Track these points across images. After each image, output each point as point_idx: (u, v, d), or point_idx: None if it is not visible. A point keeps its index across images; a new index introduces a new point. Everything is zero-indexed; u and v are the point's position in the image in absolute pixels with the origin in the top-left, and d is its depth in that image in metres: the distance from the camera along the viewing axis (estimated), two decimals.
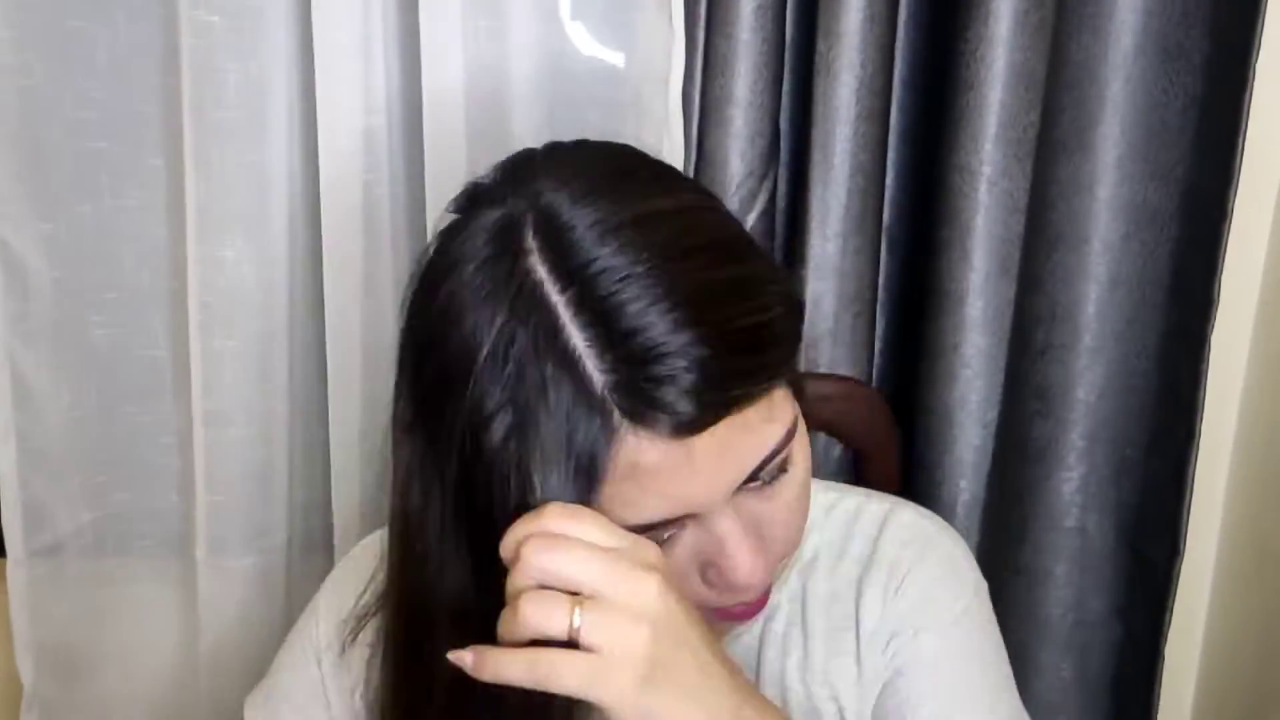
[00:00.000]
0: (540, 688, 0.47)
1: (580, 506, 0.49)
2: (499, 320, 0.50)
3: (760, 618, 0.65)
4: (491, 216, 0.53)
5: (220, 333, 0.98)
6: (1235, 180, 0.87)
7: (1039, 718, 0.99)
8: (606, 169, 0.55)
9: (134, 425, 1.05)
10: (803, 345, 0.56)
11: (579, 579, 0.48)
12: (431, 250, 0.56)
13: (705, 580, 0.55)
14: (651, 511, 0.51)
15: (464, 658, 0.49)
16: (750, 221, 0.92)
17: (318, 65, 0.92)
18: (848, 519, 0.69)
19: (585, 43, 0.97)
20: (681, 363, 0.48)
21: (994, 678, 0.68)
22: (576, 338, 0.49)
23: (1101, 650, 0.99)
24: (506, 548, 0.49)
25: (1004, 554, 0.97)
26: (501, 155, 0.95)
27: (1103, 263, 0.91)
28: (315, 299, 1.00)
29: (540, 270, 0.50)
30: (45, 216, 1.00)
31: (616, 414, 0.49)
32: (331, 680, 0.70)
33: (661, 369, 0.48)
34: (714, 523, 0.53)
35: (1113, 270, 0.91)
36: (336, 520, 1.03)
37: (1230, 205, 0.87)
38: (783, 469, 0.55)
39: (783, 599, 0.67)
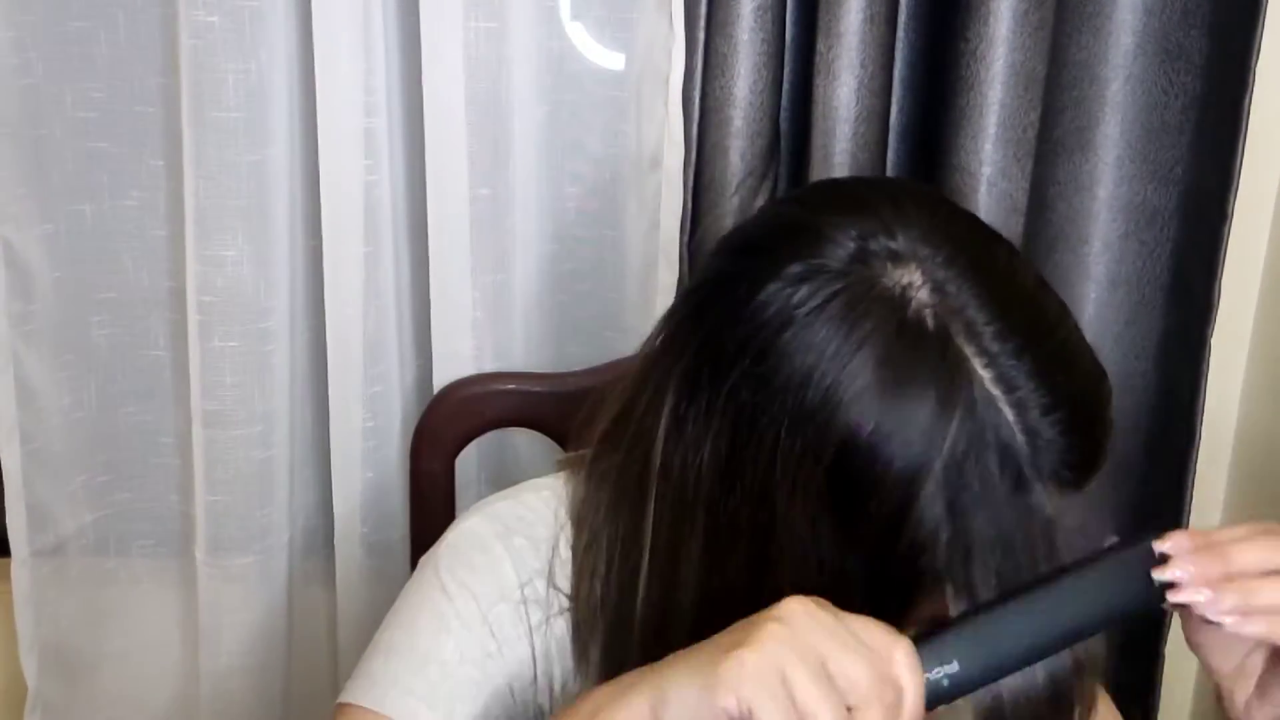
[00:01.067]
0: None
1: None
2: (954, 416, 0.51)
3: None
4: (849, 254, 0.53)
5: (220, 333, 0.98)
6: (1235, 181, 0.87)
7: None
8: (978, 240, 0.56)
9: (134, 425, 1.05)
10: None
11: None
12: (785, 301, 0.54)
13: None
14: None
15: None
16: None
17: (318, 65, 0.92)
18: None
19: (585, 43, 0.97)
20: (1080, 446, 0.53)
21: None
22: (1007, 414, 0.52)
23: (1101, 650, 0.99)
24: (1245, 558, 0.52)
25: None
26: (502, 156, 0.97)
27: (1102, 263, 0.91)
28: (315, 299, 1.00)
29: (968, 349, 0.52)
30: (46, 217, 1.00)
31: (1040, 479, 0.52)
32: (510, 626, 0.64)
33: (1064, 454, 0.52)
34: None
35: (1112, 271, 0.91)
36: (337, 520, 1.03)
37: (1230, 206, 0.87)
38: None
39: None
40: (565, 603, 0.64)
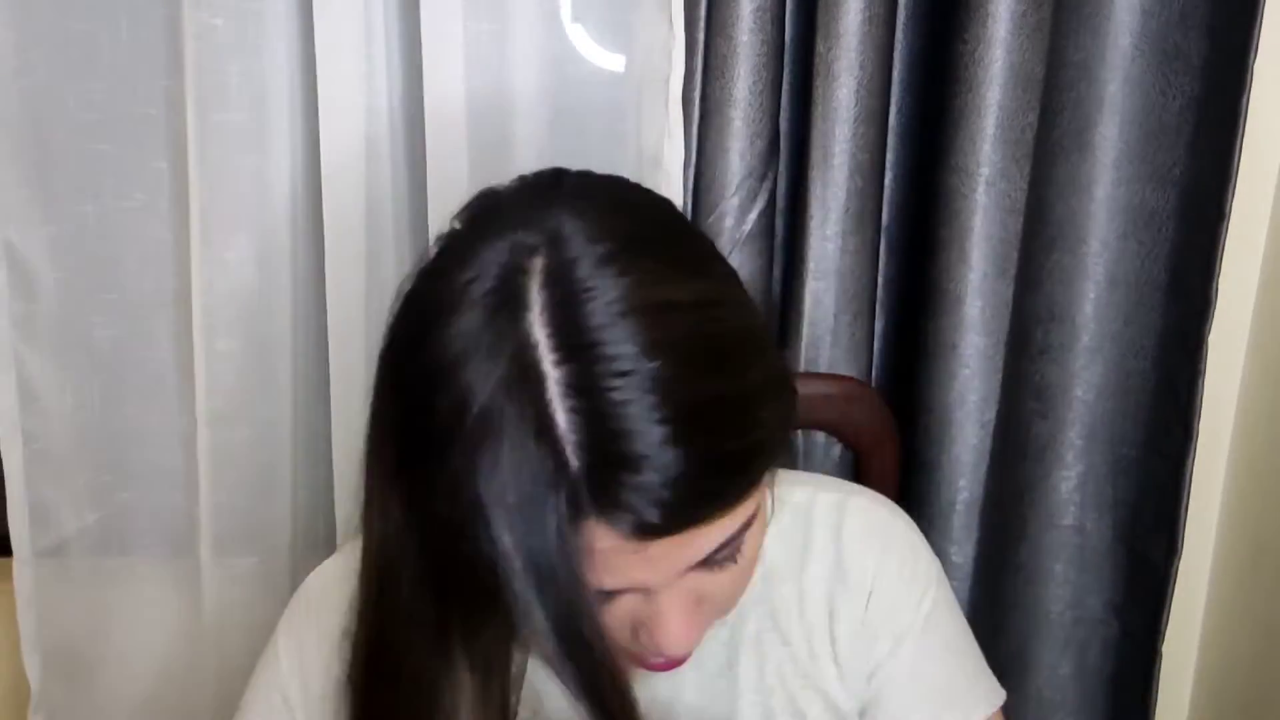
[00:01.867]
0: None
1: None
2: (490, 379, 0.47)
3: (726, 624, 0.65)
4: (501, 248, 0.50)
5: (223, 334, 0.98)
6: (1233, 181, 0.87)
7: (1037, 715, 0.99)
8: (637, 232, 0.52)
9: (138, 426, 1.05)
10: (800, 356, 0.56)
11: None
12: (432, 258, 0.54)
13: (635, 637, 0.55)
14: (597, 583, 0.50)
15: None
16: (750, 221, 0.92)
17: (320, 68, 0.92)
18: (803, 514, 0.69)
19: (585, 45, 0.97)
20: (658, 478, 0.47)
21: (969, 664, 0.70)
22: (562, 417, 0.47)
23: (1099, 648, 0.99)
24: None
25: (1002, 552, 0.97)
26: (503, 157, 0.97)
27: (1100, 263, 0.91)
28: (318, 300, 1.00)
29: (539, 333, 0.47)
30: (49, 218, 1.00)
31: (585, 500, 0.47)
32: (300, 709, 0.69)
33: (639, 478, 0.47)
34: (655, 597, 0.53)
35: (1110, 270, 0.92)
36: (339, 520, 1.03)
37: (1228, 206, 0.87)
38: (733, 555, 0.54)
39: (749, 603, 0.66)
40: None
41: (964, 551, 0.95)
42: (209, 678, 1.07)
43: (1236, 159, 0.87)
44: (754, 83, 0.89)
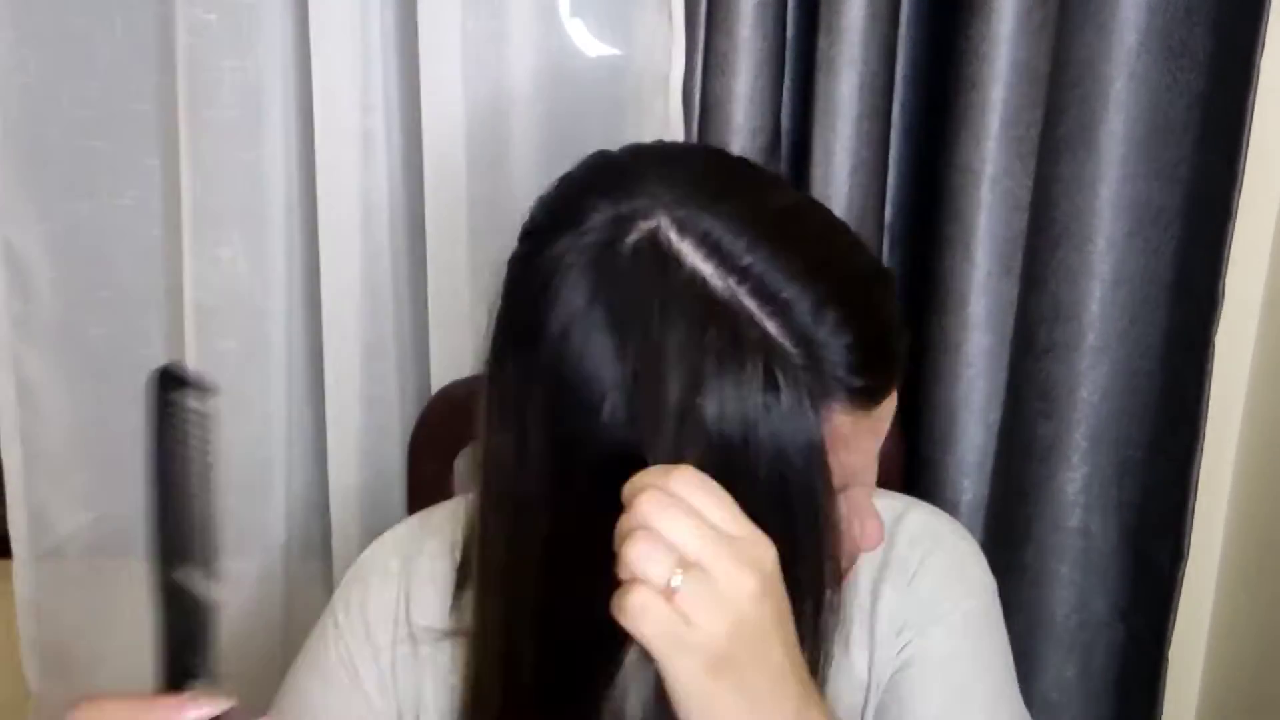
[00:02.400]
0: (623, 620, 0.47)
1: (714, 483, 0.49)
2: (676, 313, 0.51)
3: None
4: (606, 220, 0.53)
5: (216, 333, 0.97)
6: (1239, 178, 0.86)
7: (1042, 719, 0.98)
8: (716, 168, 0.58)
9: (132, 426, 1.03)
10: None
11: (684, 548, 0.47)
12: (534, 258, 0.55)
13: None
14: (836, 470, 0.53)
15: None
16: None
17: (315, 63, 0.92)
18: None
19: (585, 41, 0.96)
20: (857, 348, 0.52)
21: (997, 682, 0.68)
22: (769, 325, 0.51)
23: (1105, 651, 0.99)
24: (630, 487, 0.49)
25: (1007, 554, 0.96)
26: (501, 155, 0.96)
27: (1106, 261, 0.90)
28: (312, 298, 0.99)
29: (707, 269, 0.51)
30: (43, 215, 1.00)
31: (816, 386, 0.51)
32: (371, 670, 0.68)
33: (848, 355, 0.52)
34: (855, 495, 0.57)
35: (1116, 269, 0.91)
36: (334, 523, 1.02)
37: (1234, 203, 0.87)
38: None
39: None
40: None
41: None
42: None
43: (1243, 156, 0.86)
44: (755, 79, 0.89)
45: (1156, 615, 0.95)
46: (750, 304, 0.51)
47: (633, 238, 0.53)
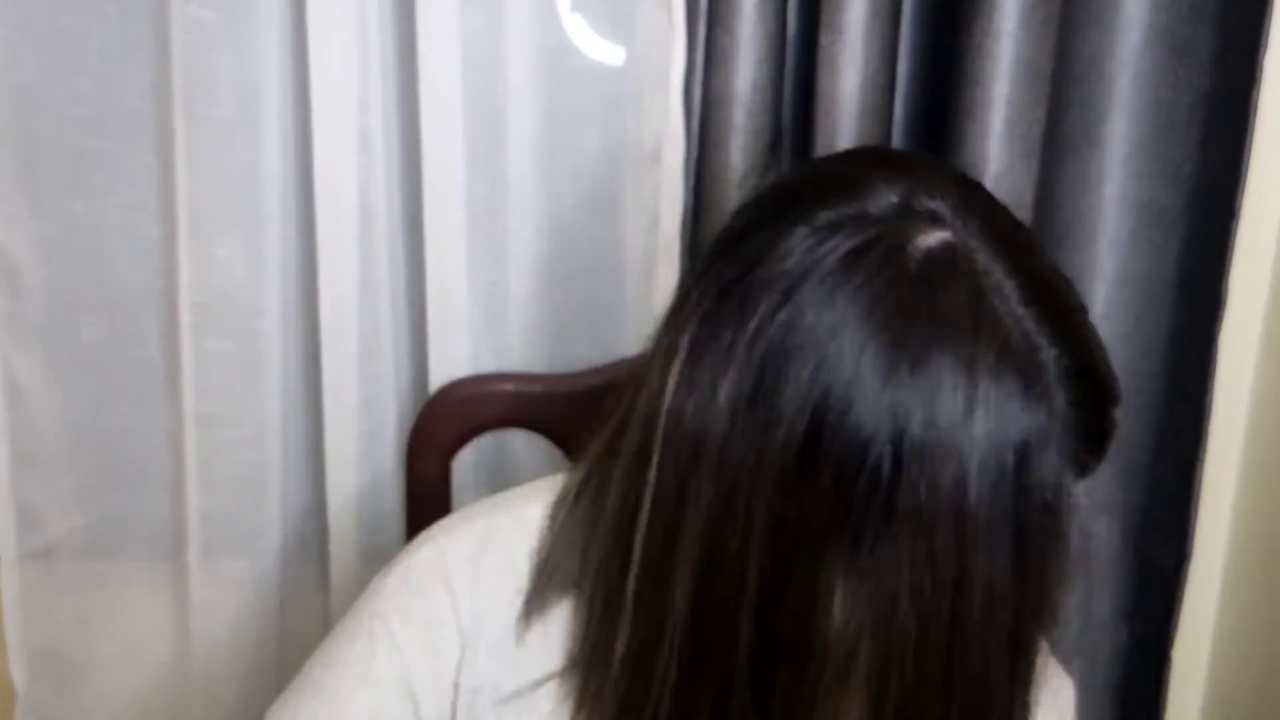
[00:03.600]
0: None
1: None
2: (988, 355, 0.50)
3: None
4: (891, 205, 0.52)
5: (212, 333, 0.97)
6: (1243, 177, 0.86)
7: None
8: (1005, 216, 0.58)
9: (125, 426, 1.04)
10: None
11: None
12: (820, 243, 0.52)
13: None
14: None
15: None
16: None
17: (312, 61, 0.91)
18: None
19: (584, 37, 0.96)
20: (1096, 415, 0.54)
21: None
22: (1050, 361, 0.51)
23: (1108, 653, 0.98)
24: None
25: None
26: (500, 152, 0.96)
27: (1110, 261, 0.90)
28: (309, 298, 0.99)
29: (1005, 309, 0.51)
30: (36, 215, 0.99)
31: (1082, 453, 0.53)
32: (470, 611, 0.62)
33: (1084, 422, 0.53)
34: None
35: (1120, 269, 0.90)
36: (331, 524, 1.02)
37: (1239, 203, 0.86)
38: None
39: None
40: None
41: None
42: (197, 681, 1.06)
43: (1247, 155, 0.86)
44: (755, 76, 0.89)
45: (1160, 618, 0.95)
46: (1022, 348, 0.51)
47: (921, 241, 0.51)
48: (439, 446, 0.96)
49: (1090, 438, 0.54)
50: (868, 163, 0.56)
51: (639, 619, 0.56)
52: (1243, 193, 0.86)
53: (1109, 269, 0.90)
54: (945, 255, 0.51)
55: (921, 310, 0.50)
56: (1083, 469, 0.54)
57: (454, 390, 0.96)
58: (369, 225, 0.96)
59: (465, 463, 1.00)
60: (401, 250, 0.99)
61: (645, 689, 0.55)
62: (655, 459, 0.54)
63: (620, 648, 0.56)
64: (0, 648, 1.06)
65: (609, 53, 0.96)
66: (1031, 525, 0.51)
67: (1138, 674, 0.98)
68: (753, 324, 0.51)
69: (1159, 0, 0.87)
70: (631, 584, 0.55)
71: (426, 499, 0.96)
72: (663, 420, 0.54)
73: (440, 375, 0.98)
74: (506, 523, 0.64)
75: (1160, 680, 0.96)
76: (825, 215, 0.52)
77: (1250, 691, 1.00)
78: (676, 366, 0.53)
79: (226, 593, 1.03)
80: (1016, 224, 0.58)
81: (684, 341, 0.53)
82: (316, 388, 0.99)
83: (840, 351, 0.50)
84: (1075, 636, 0.97)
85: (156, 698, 1.10)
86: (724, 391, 0.52)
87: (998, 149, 0.87)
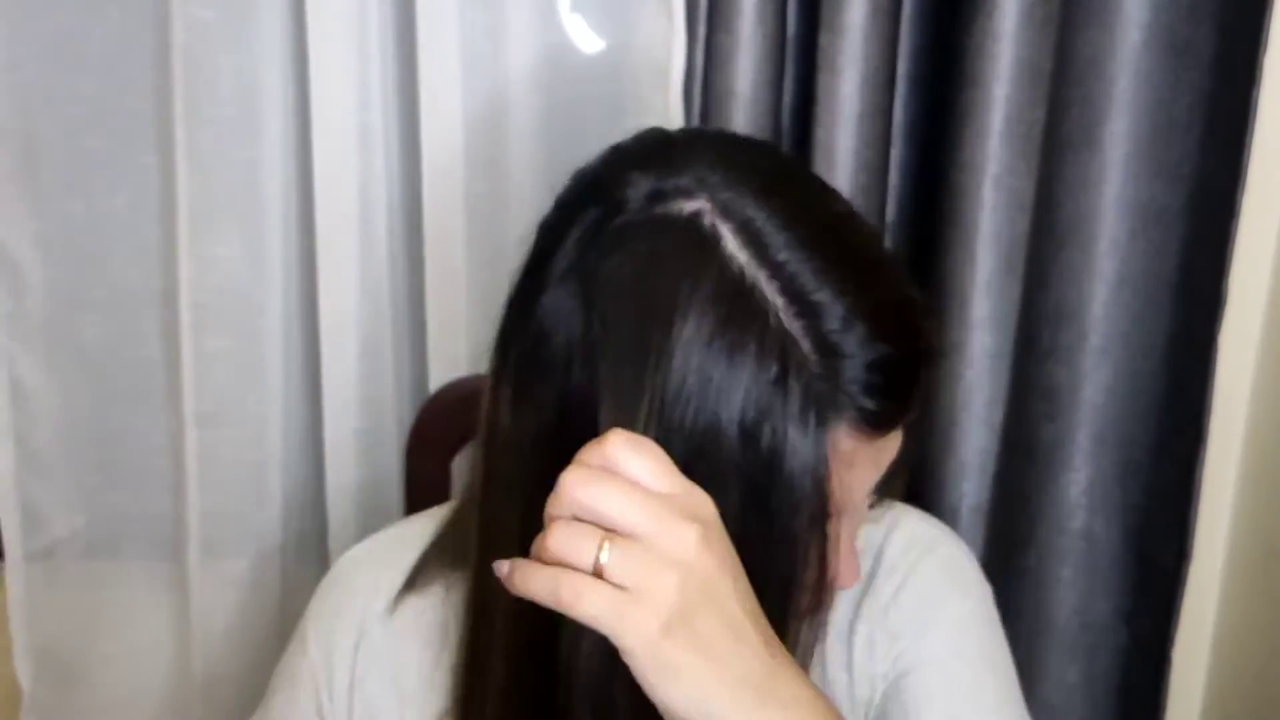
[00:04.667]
0: (564, 610, 0.46)
1: (646, 440, 0.48)
2: (702, 293, 0.50)
3: None
4: (644, 194, 0.53)
5: (212, 332, 0.97)
6: (1243, 178, 0.86)
7: None
8: (772, 168, 0.56)
9: (126, 426, 1.04)
10: None
11: (614, 518, 0.46)
12: (589, 217, 0.54)
13: None
14: (835, 494, 0.52)
15: (500, 567, 0.48)
16: None
17: (312, 60, 0.91)
18: None
19: (584, 36, 0.95)
20: (877, 370, 0.51)
21: (1001, 684, 0.67)
22: (792, 325, 0.50)
23: (1108, 654, 0.98)
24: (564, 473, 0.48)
25: (1009, 557, 0.95)
26: (499, 152, 0.96)
27: (1110, 261, 0.90)
28: (309, 297, 0.99)
29: (742, 257, 0.51)
30: (37, 214, 0.99)
31: (828, 402, 0.51)
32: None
33: (868, 374, 0.51)
34: (842, 527, 0.56)
35: (1120, 269, 0.90)
36: (331, 524, 1.02)
37: (1238, 203, 0.86)
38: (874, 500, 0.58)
39: None
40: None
41: None
42: (198, 682, 1.06)
43: (1247, 155, 0.85)
44: (755, 77, 0.88)
45: (1160, 618, 0.95)
46: (778, 300, 0.50)
47: (668, 212, 0.52)
48: (439, 446, 0.96)
49: (890, 387, 0.52)
50: (621, 158, 0.57)
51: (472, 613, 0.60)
52: (1243, 193, 0.86)
53: (1108, 269, 0.90)
54: (683, 221, 0.52)
55: (663, 271, 0.51)
56: (879, 423, 0.52)
57: (453, 390, 0.96)
58: (369, 224, 0.96)
59: (465, 462, 1.00)
60: (401, 249, 0.99)
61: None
62: (481, 451, 0.59)
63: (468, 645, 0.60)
64: (5, 647, 1.06)
65: (609, 52, 0.96)
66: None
67: (1138, 674, 0.97)
68: (536, 320, 0.54)
69: (1159, 0, 0.86)
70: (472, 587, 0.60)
71: (426, 498, 0.96)
72: (483, 418, 0.58)
73: (440, 375, 0.98)
74: (396, 537, 0.70)
75: (1160, 680, 0.96)
76: (586, 218, 0.54)
77: (1250, 691, 0.99)
78: (491, 369, 0.58)
79: (227, 592, 1.03)
80: (790, 172, 0.57)
81: (497, 347, 0.58)
82: (316, 387, 0.99)
83: (585, 321, 0.52)
84: (1075, 637, 0.97)
85: (157, 696, 1.10)
86: (520, 385, 0.55)
87: (998, 149, 0.86)
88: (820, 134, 0.88)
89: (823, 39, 0.86)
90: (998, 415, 0.93)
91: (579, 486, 0.46)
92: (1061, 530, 0.95)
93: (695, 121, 0.91)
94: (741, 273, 0.50)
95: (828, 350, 0.50)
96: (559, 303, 0.53)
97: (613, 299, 0.52)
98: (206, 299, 0.96)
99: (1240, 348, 0.94)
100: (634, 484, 0.47)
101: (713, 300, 0.50)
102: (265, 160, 0.95)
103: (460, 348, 0.98)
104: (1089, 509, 0.94)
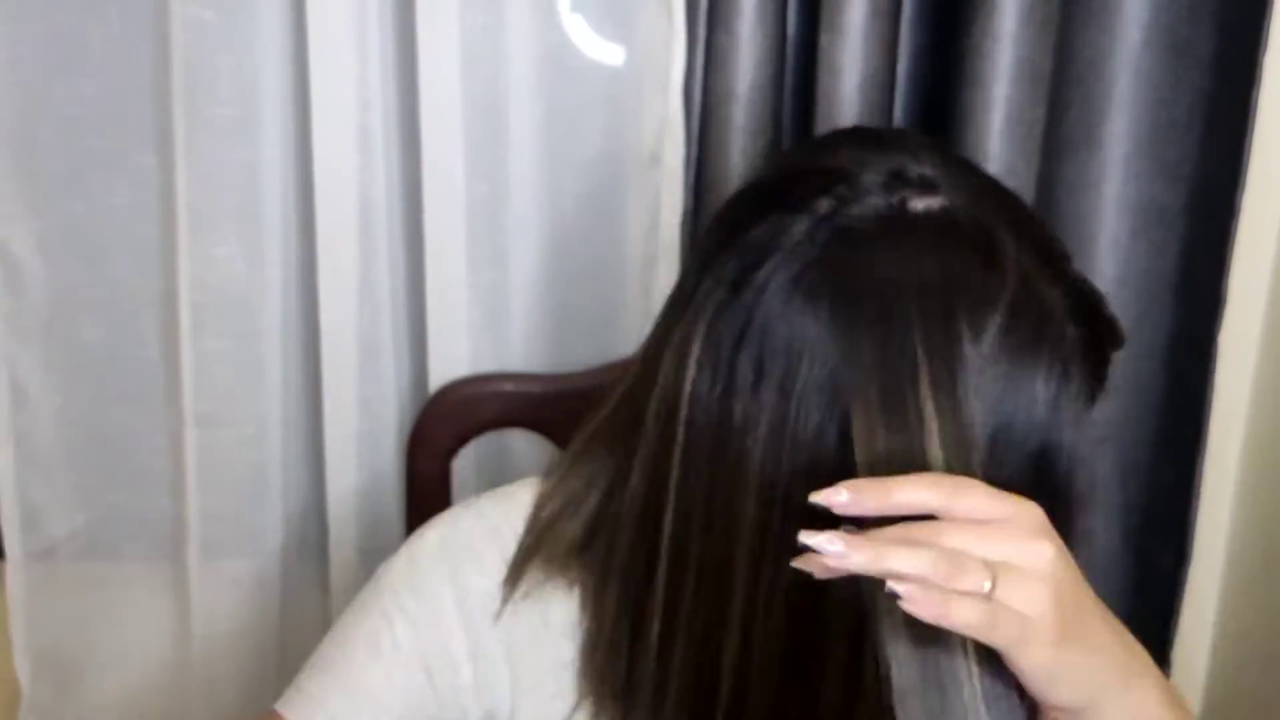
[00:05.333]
0: (967, 631, 0.47)
1: (960, 479, 0.49)
2: (1002, 300, 0.51)
3: None
4: (881, 179, 0.53)
5: (212, 333, 0.96)
6: (1243, 177, 0.86)
7: None
8: (977, 169, 0.60)
9: (125, 427, 1.04)
10: None
11: (990, 557, 0.48)
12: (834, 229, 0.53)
13: None
14: None
15: (838, 495, 0.48)
16: None
17: (312, 60, 0.91)
18: None
19: (584, 37, 0.95)
20: (1108, 360, 0.56)
21: None
22: (1064, 323, 0.53)
23: None
24: (907, 495, 0.48)
25: None
26: (500, 152, 0.96)
27: (1110, 261, 0.90)
28: (309, 298, 0.98)
29: (1022, 259, 0.52)
30: (36, 214, 0.99)
31: (1093, 378, 0.54)
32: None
33: (1102, 367, 0.56)
34: None
35: (1120, 269, 0.90)
36: (331, 524, 1.02)
37: (1239, 202, 0.86)
38: None
39: None
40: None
41: None
42: (197, 681, 1.06)
43: (1247, 154, 0.86)
44: (756, 77, 0.88)
45: (1160, 618, 0.95)
46: (1054, 294, 0.52)
47: (919, 210, 0.52)
48: (439, 446, 0.96)
49: (1096, 370, 0.55)
50: (854, 143, 0.57)
51: (685, 610, 0.56)
52: (1243, 192, 0.86)
53: (1109, 269, 0.90)
54: (943, 217, 0.53)
55: (933, 273, 0.51)
56: (1091, 398, 0.55)
57: (453, 390, 0.96)
58: (369, 225, 0.96)
59: (465, 463, 0.99)
60: (401, 250, 0.99)
61: (706, 676, 0.55)
62: (678, 450, 0.55)
63: (654, 638, 0.57)
64: (4, 646, 1.06)
65: (609, 53, 0.96)
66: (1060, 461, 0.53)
67: None
68: (764, 314, 0.52)
69: (1159, 0, 0.86)
70: (662, 575, 0.56)
71: (426, 499, 0.96)
72: (684, 412, 0.54)
73: (440, 375, 0.98)
74: (502, 509, 0.66)
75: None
76: (824, 202, 0.53)
77: (1250, 690, 0.99)
78: (694, 356, 0.54)
79: (226, 593, 1.03)
80: (999, 184, 0.59)
81: (698, 332, 0.54)
82: (316, 387, 0.99)
83: (874, 315, 0.52)
84: None
85: (157, 697, 1.10)
86: (744, 380, 0.52)
87: (998, 149, 0.86)
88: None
89: (823, 39, 0.86)
90: None
91: (944, 537, 0.48)
92: None
93: (695, 122, 0.91)
94: (1027, 276, 0.52)
95: (1090, 344, 0.54)
96: (785, 298, 0.52)
97: (881, 299, 0.51)
98: (206, 299, 0.96)
99: (1240, 348, 0.95)
100: (982, 524, 0.48)
101: (1009, 307, 0.51)
102: (265, 160, 0.95)
103: (460, 348, 0.97)
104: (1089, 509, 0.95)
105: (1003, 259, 0.52)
